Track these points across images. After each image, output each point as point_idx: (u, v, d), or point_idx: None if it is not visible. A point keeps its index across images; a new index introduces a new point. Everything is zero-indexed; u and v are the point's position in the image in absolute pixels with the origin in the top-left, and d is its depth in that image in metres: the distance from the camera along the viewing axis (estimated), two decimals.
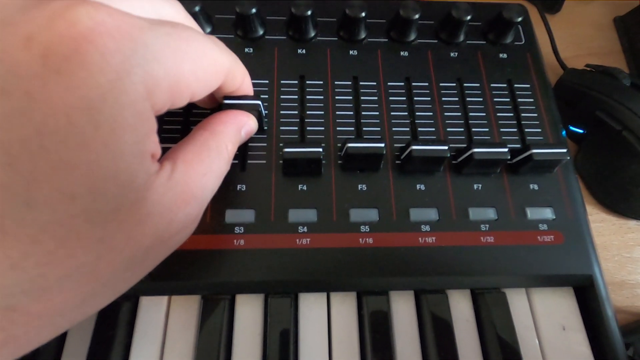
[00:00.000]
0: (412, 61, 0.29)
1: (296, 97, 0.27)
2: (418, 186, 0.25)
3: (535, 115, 0.28)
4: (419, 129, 0.27)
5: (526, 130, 0.27)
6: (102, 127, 0.12)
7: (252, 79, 0.22)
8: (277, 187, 0.24)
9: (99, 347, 0.22)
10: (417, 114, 0.27)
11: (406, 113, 0.27)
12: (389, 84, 0.28)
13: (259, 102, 0.22)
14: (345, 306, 0.24)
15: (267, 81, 0.27)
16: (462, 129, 0.27)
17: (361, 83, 0.28)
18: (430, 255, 0.23)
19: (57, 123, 0.11)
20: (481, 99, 0.28)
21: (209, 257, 0.22)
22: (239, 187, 0.24)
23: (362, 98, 0.27)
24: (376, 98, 0.27)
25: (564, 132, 0.28)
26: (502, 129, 0.27)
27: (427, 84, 0.28)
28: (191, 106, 0.25)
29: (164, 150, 0.16)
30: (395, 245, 0.23)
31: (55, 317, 0.14)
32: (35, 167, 0.11)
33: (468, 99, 0.28)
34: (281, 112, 0.26)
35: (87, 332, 0.22)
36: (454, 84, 0.28)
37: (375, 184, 0.25)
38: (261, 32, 0.28)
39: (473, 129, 0.27)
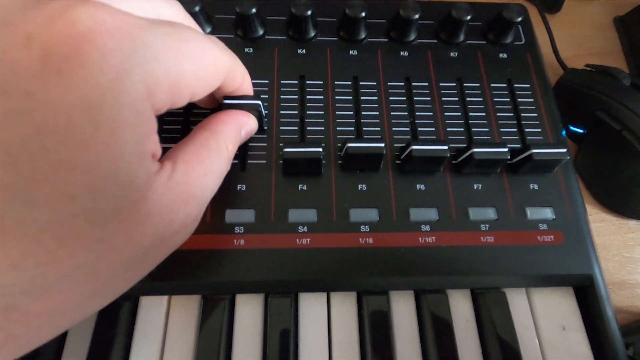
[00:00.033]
0: (412, 61, 0.29)
1: (296, 97, 0.27)
2: (418, 186, 0.25)
3: (535, 115, 0.28)
4: (419, 129, 0.27)
5: (526, 130, 0.27)
6: (102, 127, 0.12)
7: (252, 79, 0.22)
8: (277, 187, 0.24)
9: (99, 347, 0.22)
10: (417, 114, 0.27)
11: (406, 113, 0.27)
12: (389, 84, 0.28)
13: (259, 102, 0.22)
14: (345, 306, 0.24)
15: (267, 81, 0.27)
16: (462, 129, 0.27)
17: (361, 83, 0.28)
18: (430, 255, 0.23)
19: (57, 123, 0.11)
20: (481, 99, 0.28)
21: (209, 257, 0.22)
22: (239, 187, 0.24)
23: (362, 98, 0.27)
24: (376, 98, 0.27)
25: (564, 132, 0.28)
26: (502, 129, 0.27)
27: (427, 84, 0.28)
28: (191, 106, 0.25)
29: (164, 150, 0.16)
30: (395, 245, 0.23)
31: (55, 316, 0.14)
32: (35, 166, 0.11)
33: (468, 99, 0.28)
34: (281, 112, 0.26)
35: (87, 332, 0.22)
36: (454, 84, 0.28)
37: (375, 184, 0.25)
38: (261, 32, 0.28)
39: (473, 129, 0.27)
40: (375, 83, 0.28)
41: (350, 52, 0.29)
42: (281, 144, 0.25)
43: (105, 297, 0.16)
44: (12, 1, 0.12)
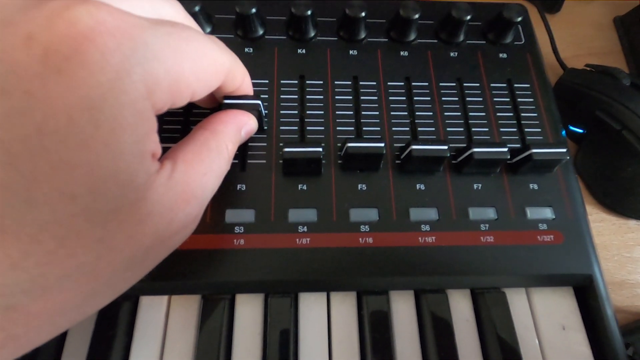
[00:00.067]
0: (412, 61, 0.29)
1: (296, 97, 0.27)
2: (418, 186, 0.25)
3: (535, 115, 0.28)
4: (419, 128, 0.27)
5: (526, 130, 0.27)
6: (103, 127, 0.12)
7: (252, 78, 0.22)
8: (277, 187, 0.24)
9: (99, 347, 0.22)
10: (417, 113, 0.27)
11: (406, 113, 0.27)
12: (389, 83, 0.28)
13: (259, 102, 0.22)
14: (345, 306, 0.24)
15: (267, 81, 0.27)
16: (462, 129, 0.27)
17: (361, 83, 0.28)
18: (430, 255, 0.23)
19: (58, 122, 0.11)
20: (481, 99, 0.28)
21: (209, 257, 0.22)
22: (239, 186, 0.24)
23: (362, 98, 0.27)
24: (376, 98, 0.27)
25: (563, 132, 0.28)
26: (502, 129, 0.27)
27: (427, 83, 0.28)
28: (191, 106, 0.25)
29: (164, 150, 0.16)
30: (395, 245, 0.23)
31: (55, 316, 0.14)
32: (35, 166, 0.11)
33: (468, 98, 0.28)
34: (281, 112, 0.26)
35: (87, 331, 0.22)
36: (454, 84, 0.28)
37: (375, 183, 0.25)
38: (261, 32, 0.28)
39: (473, 129, 0.27)
40: (375, 83, 0.28)
41: (350, 52, 0.29)
42: (281, 144, 0.25)
43: (105, 297, 0.16)
44: (12, 1, 0.12)
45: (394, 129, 0.26)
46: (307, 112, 0.26)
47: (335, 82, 0.27)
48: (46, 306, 0.13)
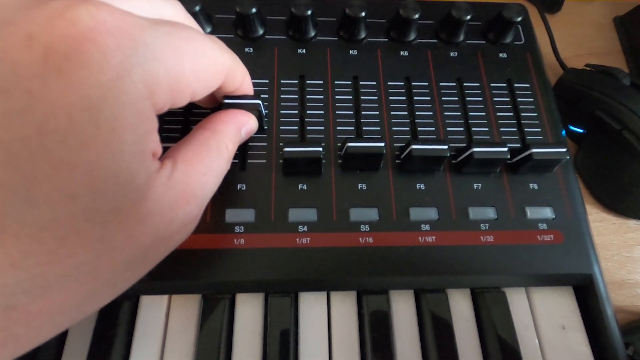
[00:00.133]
0: (412, 61, 0.29)
1: (296, 96, 0.27)
2: (418, 186, 0.25)
3: (535, 115, 0.28)
4: (419, 128, 0.27)
5: (526, 129, 0.27)
6: (103, 127, 0.12)
7: (252, 78, 0.22)
8: (277, 187, 0.24)
9: (99, 346, 0.22)
10: (417, 113, 0.27)
11: (406, 113, 0.27)
12: (389, 83, 0.28)
13: (259, 102, 0.22)
14: (345, 305, 0.24)
15: (267, 81, 0.27)
16: (462, 129, 0.27)
17: (361, 83, 0.28)
18: (430, 255, 0.23)
19: (58, 122, 0.11)
20: (481, 99, 0.28)
21: (209, 257, 0.22)
22: (239, 186, 0.24)
23: (362, 98, 0.27)
24: (376, 98, 0.27)
25: (563, 132, 0.28)
26: (502, 129, 0.27)
27: (427, 83, 0.28)
28: (191, 106, 0.25)
29: (164, 150, 0.16)
30: (395, 245, 0.23)
31: (55, 316, 0.14)
32: (35, 166, 0.11)
33: (468, 98, 0.28)
34: (281, 111, 0.26)
35: (88, 331, 0.22)
36: (454, 84, 0.28)
37: (375, 183, 0.25)
38: (261, 32, 0.28)
39: (473, 129, 0.27)
40: (375, 83, 0.28)
41: (350, 52, 0.29)
42: (281, 144, 0.25)
43: (106, 296, 0.16)
44: (13, 1, 0.12)
45: (394, 128, 0.26)
46: (307, 112, 0.26)
47: (335, 82, 0.27)
48: (46, 305, 0.13)
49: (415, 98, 0.27)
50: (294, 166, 0.24)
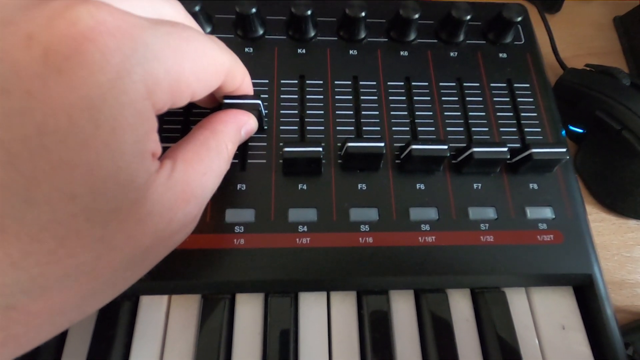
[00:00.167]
0: (412, 61, 0.29)
1: (296, 96, 0.27)
2: (418, 186, 0.25)
3: (535, 115, 0.28)
4: (419, 128, 0.27)
5: (526, 129, 0.27)
6: (103, 127, 0.12)
7: (252, 78, 0.22)
8: (277, 187, 0.24)
9: (99, 346, 0.22)
10: (417, 113, 0.27)
11: (406, 113, 0.27)
12: (389, 83, 0.28)
13: (259, 102, 0.22)
14: (345, 305, 0.24)
15: (267, 81, 0.27)
16: (462, 129, 0.27)
17: (361, 83, 0.28)
18: (430, 255, 0.23)
19: (58, 122, 0.11)
20: (481, 99, 0.28)
21: (209, 257, 0.22)
22: (239, 186, 0.24)
23: (362, 98, 0.27)
24: (376, 98, 0.27)
25: (563, 132, 0.28)
26: (501, 129, 0.27)
27: (427, 83, 0.28)
28: (191, 106, 0.25)
29: (164, 150, 0.16)
30: (395, 245, 0.23)
31: (55, 316, 0.14)
32: (35, 166, 0.11)
33: (468, 98, 0.28)
34: (281, 111, 0.26)
35: (88, 331, 0.22)
36: (454, 84, 0.28)
37: (375, 183, 0.25)
38: (261, 32, 0.28)
39: (473, 129, 0.27)
40: (375, 83, 0.28)
41: (350, 52, 0.29)
42: (281, 144, 0.25)
43: (105, 296, 0.16)
44: (13, 1, 0.12)
45: (394, 128, 0.26)
46: (307, 112, 0.26)
47: (335, 82, 0.27)
48: (46, 305, 0.13)
49: (415, 98, 0.27)
50: (294, 166, 0.24)
